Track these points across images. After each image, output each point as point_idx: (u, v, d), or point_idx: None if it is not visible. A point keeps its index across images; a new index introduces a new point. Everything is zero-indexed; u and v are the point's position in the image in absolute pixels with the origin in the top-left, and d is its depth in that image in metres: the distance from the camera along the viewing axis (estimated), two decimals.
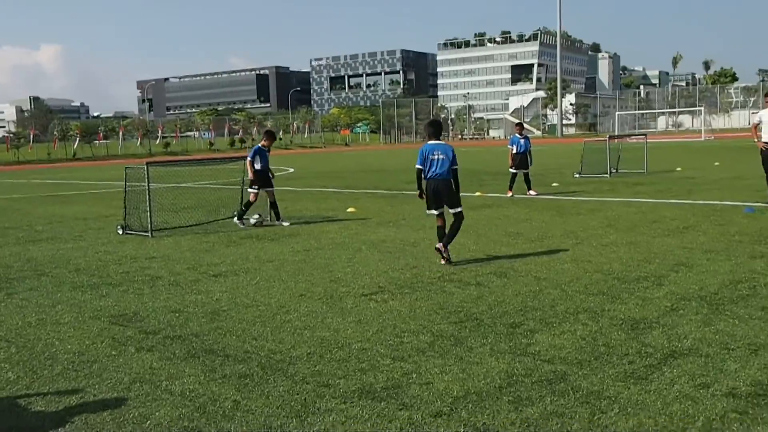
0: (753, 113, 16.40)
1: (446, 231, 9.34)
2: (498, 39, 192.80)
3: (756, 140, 14.65)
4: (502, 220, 13.29)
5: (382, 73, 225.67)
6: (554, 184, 20.72)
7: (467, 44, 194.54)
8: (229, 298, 7.65)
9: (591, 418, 4.24)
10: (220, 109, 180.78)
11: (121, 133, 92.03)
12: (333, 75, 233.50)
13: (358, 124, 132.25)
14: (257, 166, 13.66)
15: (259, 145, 13.97)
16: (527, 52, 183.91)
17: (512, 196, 17.70)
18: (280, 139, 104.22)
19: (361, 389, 4.84)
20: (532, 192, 17.92)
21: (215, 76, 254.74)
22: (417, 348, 5.70)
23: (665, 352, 5.36)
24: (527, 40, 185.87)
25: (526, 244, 10.46)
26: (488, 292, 7.52)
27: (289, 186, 24.67)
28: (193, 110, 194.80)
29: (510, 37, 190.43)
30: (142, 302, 7.65)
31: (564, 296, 7.22)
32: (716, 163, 28.70)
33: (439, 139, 9.36)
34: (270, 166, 14.07)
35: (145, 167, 12.90)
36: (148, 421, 4.45)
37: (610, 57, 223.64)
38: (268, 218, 13.99)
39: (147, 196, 12.85)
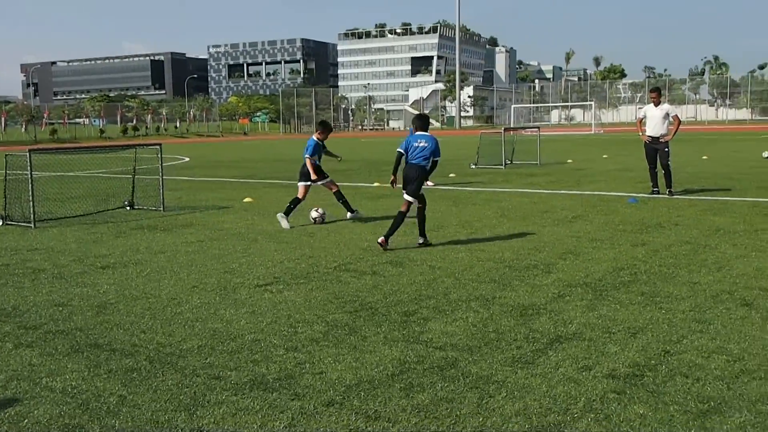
0: (639, 108, 17.23)
1: (397, 220, 9.49)
2: (398, 30, 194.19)
3: (641, 134, 15.35)
4: None
5: (282, 62, 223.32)
6: (451, 175, 21.08)
7: (368, 35, 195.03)
8: (117, 291, 7.39)
9: (479, 403, 4.33)
10: (112, 95, 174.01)
11: (3, 118, 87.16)
12: (231, 63, 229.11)
13: (258, 113, 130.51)
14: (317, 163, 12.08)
15: (315, 138, 12.05)
16: (427, 45, 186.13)
17: None
18: (176, 127, 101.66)
19: (253, 380, 4.77)
20: (429, 182, 18.13)
21: (107, 61, 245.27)
22: (311, 338, 5.67)
23: (551, 337, 5.55)
24: (427, 33, 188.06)
25: None
26: (384, 281, 7.57)
27: (185, 175, 24.06)
28: (83, 96, 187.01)
29: (410, 28, 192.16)
30: (23, 296, 7.28)
31: (457, 284, 7.36)
32: (604, 156, 29.95)
33: (426, 131, 9.64)
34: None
35: (28, 154, 12.28)
36: (26, 420, 4.24)
37: (507, 51, 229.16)
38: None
39: (30, 185, 12.24)
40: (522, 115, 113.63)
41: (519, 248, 9.25)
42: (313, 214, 12.00)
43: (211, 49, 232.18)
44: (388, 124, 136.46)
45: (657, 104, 14.91)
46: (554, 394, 4.44)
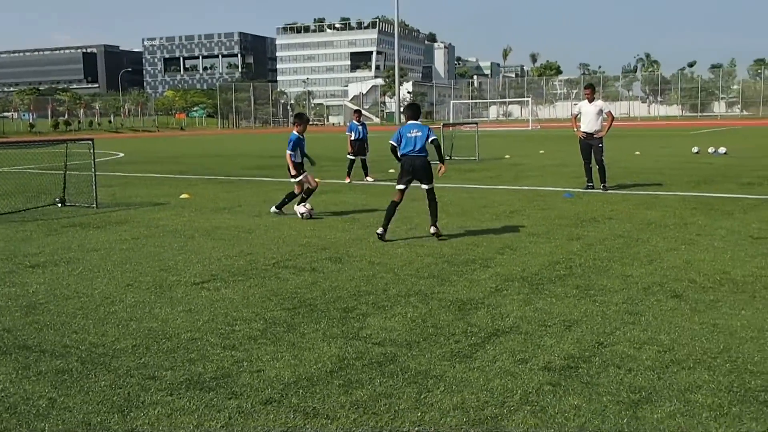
0: (574, 104, 17.59)
1: (395, 210, 9.73)
2: (338, 25, 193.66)
3: (576, 130, 15.66)
4: (340, 206, 13.38)
5: (220, 56, 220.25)
6: (391, 171, 21.11)
7: (307, 29, 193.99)
8: (48, 290, 7.17)
9: (418, 397, 4.35)
10: (42, 88, 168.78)
11: None
12: (167, 56, 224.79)
13: (195, 108, 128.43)
14: (297, 160, 11.85)
15: (295, 132, 11.98)
16: (366, 40, 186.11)
17: (350, 182, 17.87)
18: (110, 122, 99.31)
19: (189, 380, 4.69)
20: (369, 178, 18.18)
21: (36, 53, 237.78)
22: (249, 336, 5.61)
23: (489, 331, 5.61)
24: (366, 28, 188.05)
25: (362, 230, 10.58)
26: (323, 277, 7.53)
27: (119, 171, 23.52)
28: (11, 89, 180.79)
29: (349, 23, 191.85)
30: None
31: (397, 280, 7.37)
32: (541, 151, 30.47)
33: (417, 120, 9.79)
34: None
35: None
36: None
37: (445, 47, 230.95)
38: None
39: None
40: (461, 111, 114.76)
41: (457, 243, 9.33)
42: (301, 209, 11.84)
43: (146, 42, 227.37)
44: (327, 120, 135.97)
45: (591, 101, 15.23)
46: (491, 387, 4.49)
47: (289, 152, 11.83)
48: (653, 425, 3.94)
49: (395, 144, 9.78)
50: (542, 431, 3.90)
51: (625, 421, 4.00)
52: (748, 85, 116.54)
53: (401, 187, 9.73)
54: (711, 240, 9.23)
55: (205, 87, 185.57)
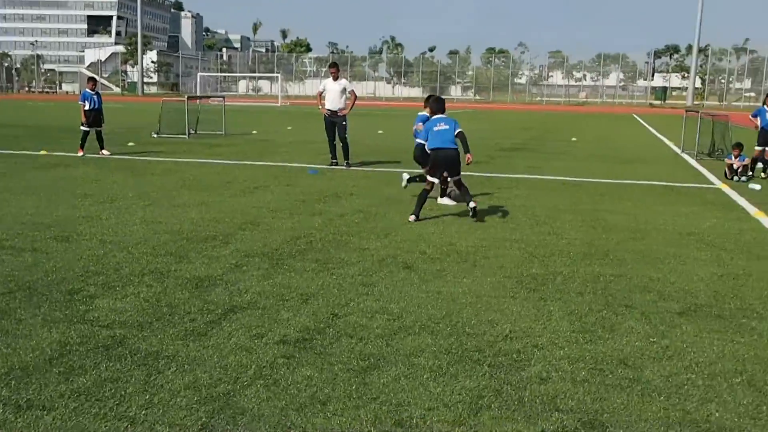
0: (320, 82, 17.82)
1: (426, 197, 9.68)
2: None
3: (320, 107, 15.92)
4: (70, 181, 12.42)
5: None
6: (130, 144, 20.06)
7: None
8: None
9: (147, 380, 4.16)
10: None
11: None
12: None
13: None
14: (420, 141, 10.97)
15: (424, 111, 11.25)
16: (105, 3, 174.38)
17: (83, 155, 16.68)
18: None
19: None
20: (105, 151, 17.10)
21: None
22: None
23: (226, 308, 5.52)
24: None
25: (95, 207, 9.92)
26: (46, 258, 6.93)
27: None
28: None
29: None
30: None
31: (130, 259, 7.00)
32: (289, 128, 30.68)
33: (443, 114, 9.96)
34: None
35: None
36: None
37: (193, 17, 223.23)
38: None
39: None
40: (209, 84, 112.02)
41: (198, 220, 9.09)
42: (446, 201, 10.97)
43: None
44: (60, 87, 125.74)
45: (336, 79, 15.56)
46: (225, 364, 4.42)
47: (417, 125, 11.32)
48: (379, 389, 4.13)
49: (424, 141, 9.73)
50: (274, 403, 3.92)
51: (354, 387, 4.14)
52: (481, 71, 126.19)
53: (435, 180, 9.85)
54: (441, 214, 9.88)
55: None
